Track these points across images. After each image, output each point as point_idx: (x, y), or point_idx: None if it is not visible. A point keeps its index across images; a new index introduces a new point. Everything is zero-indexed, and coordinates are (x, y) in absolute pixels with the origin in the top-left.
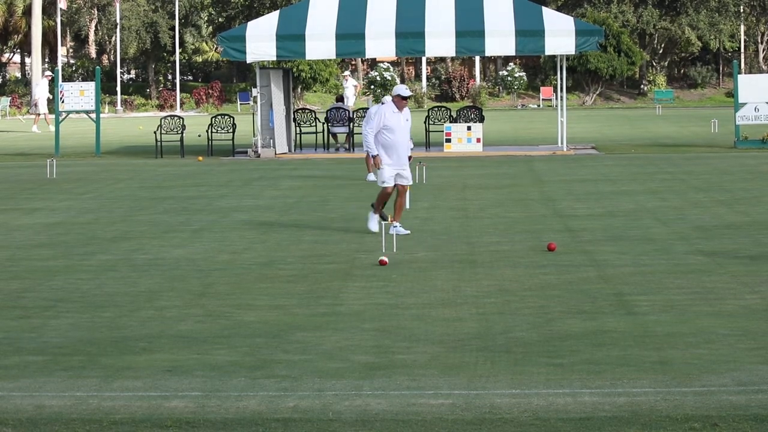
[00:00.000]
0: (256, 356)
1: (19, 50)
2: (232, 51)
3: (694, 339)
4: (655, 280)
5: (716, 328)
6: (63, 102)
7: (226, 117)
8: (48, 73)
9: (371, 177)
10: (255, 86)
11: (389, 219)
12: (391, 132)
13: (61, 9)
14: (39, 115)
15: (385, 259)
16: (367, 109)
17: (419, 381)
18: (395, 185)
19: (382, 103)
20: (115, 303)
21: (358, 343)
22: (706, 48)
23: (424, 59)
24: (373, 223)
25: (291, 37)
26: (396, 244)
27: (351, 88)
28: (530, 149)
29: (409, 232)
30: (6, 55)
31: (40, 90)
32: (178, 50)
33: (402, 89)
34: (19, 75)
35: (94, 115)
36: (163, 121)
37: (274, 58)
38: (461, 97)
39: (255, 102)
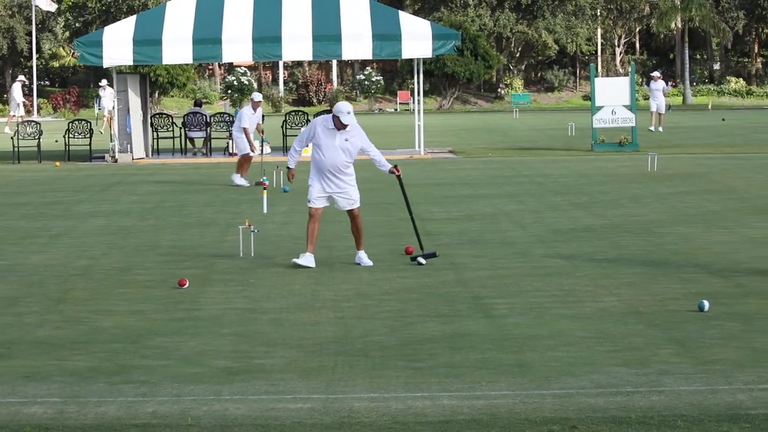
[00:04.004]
0: (114, 362)
1: None
2: (89, 56)
3: (552, 341)
4: (513, 283)
5: (574, 330)
6: None
7: (83, 122)
8: (21, 77)
9: (238, 179)
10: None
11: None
12: (320, 150)
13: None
14: (13, 116)
15: (185, 281)
16: (225, 113)
17: (278, 385)
18: (346, 211)
19: (245, 106)
20: None
21: (216, 348)
22: (563, 51)
23: (281, 63)
24: (304, 259)
25: (147, 42)
26: (254, 249)
27: (109, 97)
28: (387, 153)
29: (372, 263)
30: None
31: (16, 94)
32: (35, 55)
33: (342, 110)
34: None
35: None
36: (20, 126)
37: (131, 63)
38: (318, 101)
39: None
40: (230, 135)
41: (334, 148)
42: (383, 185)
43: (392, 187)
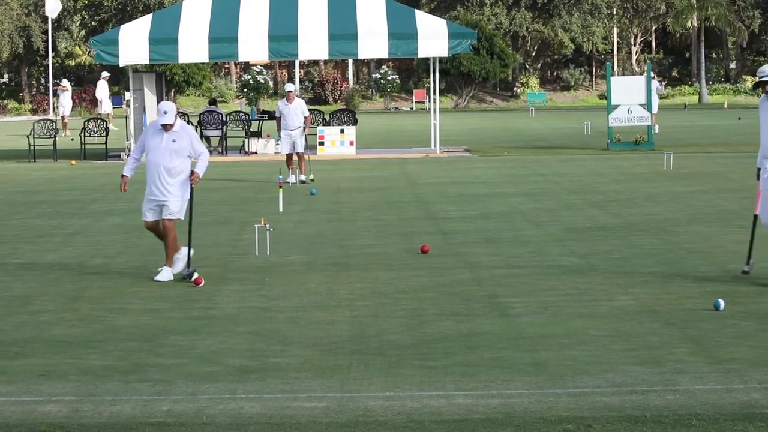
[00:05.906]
0: (129, 360)
1: None
2: (105, 55)
3: (567, 340)
4: (529, 282)
5: (589, 329)
6: None
7: (99, 121)
8: (105, 73)
9: (291, 179)
10: (128, 90)
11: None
12: (148, 153)
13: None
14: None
15: (201, 280)
16: (241, 112)
17: (293, 384)
18: (156, 221)
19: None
20: None
21: (232, 347)
22: (579, 50)
23: (297, 62)
24: (168, 271)
25: (164, 40)
26: (269, 248)
27: (68, 97)
28: (403, 152)
29: (171, 279)
30: None
31: (103, 90)
32: (50, 54)
33: (159, 110)
34: None
35: None
36: (35, 125)
37: (147, 62)
38: (334, 100)
39: (128, 105)
40: (246, 134)
41: (161, 149)
42: (397, 184)
43: (405, 187)
